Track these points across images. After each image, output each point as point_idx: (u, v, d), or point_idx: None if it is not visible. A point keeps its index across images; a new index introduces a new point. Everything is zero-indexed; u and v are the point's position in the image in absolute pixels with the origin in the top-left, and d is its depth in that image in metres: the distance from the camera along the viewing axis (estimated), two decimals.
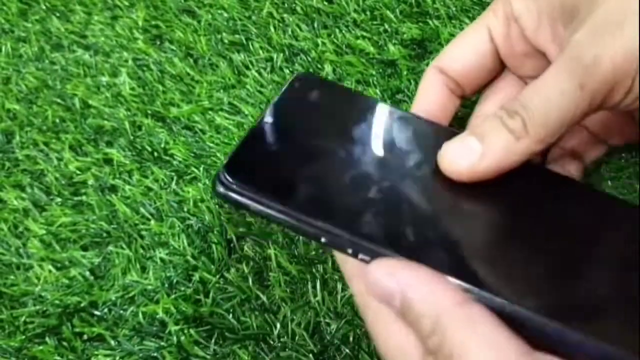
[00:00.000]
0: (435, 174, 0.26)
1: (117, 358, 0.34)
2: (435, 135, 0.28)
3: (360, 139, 0.27)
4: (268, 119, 0.28)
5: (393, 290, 0.21)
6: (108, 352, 0.35)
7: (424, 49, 0.43)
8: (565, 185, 0.27)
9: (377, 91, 0.41)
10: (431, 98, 0.31)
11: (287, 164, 0.26)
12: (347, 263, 0.26)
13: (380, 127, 0.28)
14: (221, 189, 0.25)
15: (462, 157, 0.25)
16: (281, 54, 0.46)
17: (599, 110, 0.25)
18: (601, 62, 0.23)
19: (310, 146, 0.27)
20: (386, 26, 0.45)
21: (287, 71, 0.45)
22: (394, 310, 0.21)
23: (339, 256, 0.26)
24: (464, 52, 0.31)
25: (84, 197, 0.42)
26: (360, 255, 0.23)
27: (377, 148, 0.27)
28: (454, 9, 0.44)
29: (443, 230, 0.24)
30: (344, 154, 0.26)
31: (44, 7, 0.56)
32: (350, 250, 0.23)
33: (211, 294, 0.36)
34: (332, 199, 0.25)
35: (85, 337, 0.36)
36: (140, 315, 0.36)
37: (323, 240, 0.24)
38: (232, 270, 0.36)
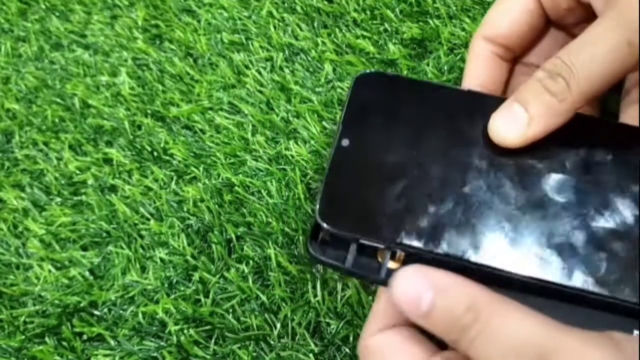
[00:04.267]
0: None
1: (117, 358, 0.34)
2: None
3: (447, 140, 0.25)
4: (345, 141, 0.25)
5: (424, 288, 0.21)
6: (108, 352, 0.35)
7: (424, 49, 0.43)
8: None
9: None
10: (481, 69, 0.31)
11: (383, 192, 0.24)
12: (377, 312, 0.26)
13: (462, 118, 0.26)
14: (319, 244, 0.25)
15: (511, 126, 0.25)
16: (281, 54, 0.46)
17: None
18: None
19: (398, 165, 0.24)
20: (386, 26, 0.45)
21: (287, 71, 0.45)
22: (418, 315, 0.22)
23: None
24: (509, 14, 0.30)
25: (83, 197, 0.42)
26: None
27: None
28: (454, 8, 0.44)
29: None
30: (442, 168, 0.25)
31: (43, 7, 0.56)
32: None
33: (211, 294, 0.36)
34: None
35: (85, 337, 0.36)
36: (140, 315, 0.36)
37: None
38: (232, 270, 0.36)
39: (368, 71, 0.27)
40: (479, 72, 0.31)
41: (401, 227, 0.24)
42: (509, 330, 0.20)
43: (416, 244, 0.23)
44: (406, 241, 0.24)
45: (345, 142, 0.25)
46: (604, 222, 0.23)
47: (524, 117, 0.24)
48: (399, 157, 0.25)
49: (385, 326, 0.25)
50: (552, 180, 0.24)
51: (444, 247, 0.23)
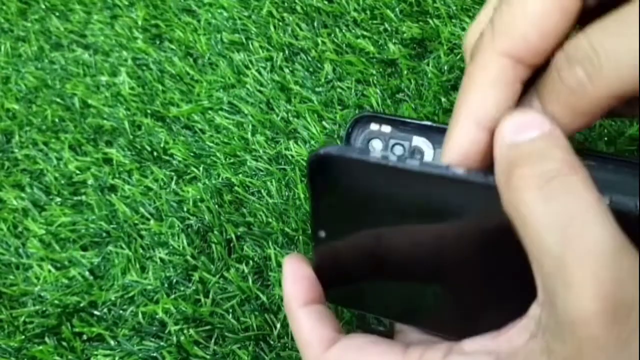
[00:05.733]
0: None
1: (117, 358, 0.34)
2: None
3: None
4: (321, 232, 0.23)
5: (538, 123, 0.19)
6: (108, 352, 0.35)
7: (424, 48, 0.43)
8: None
9: (377, 90, 0.41)
10: (494, 99, 0.21)
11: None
12: (302, 332, 0.24)
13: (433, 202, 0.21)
14: None
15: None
16: (281, 53, 0.46)
17: None
18: None
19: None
20: (386, 25, 0.45)
21: (287, 70, 0.45)
22: (512, 134, 0.19)
23: (295, 326, 0.25)
24: (537, 17, 0.19)
25: (83, 197, 0.42)
26: None
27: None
28: (454, 8, 0.44)
29: None
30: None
31: (43, 7, 0.56)
32: None
33: (211, 294, 0.36)
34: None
35: (84, 337, 0.36)
36: (140, 315, 0.36)
37: None
38: (232, 270, 0.36)
39: (321, 153, 0.21)
40: (490, 103, 0.21)
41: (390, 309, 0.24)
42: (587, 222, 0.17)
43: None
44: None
45: (322, 234, 0.23)
46: None
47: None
48: (374, 244, 0.23)
49: (310, 300, 0.24)
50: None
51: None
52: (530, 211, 0.18)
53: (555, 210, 0.17)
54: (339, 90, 0.42)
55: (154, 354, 0.34)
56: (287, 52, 0.46)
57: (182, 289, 0.36)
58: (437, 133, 0.26)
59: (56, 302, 0.37)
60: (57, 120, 0.47)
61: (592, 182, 0.18)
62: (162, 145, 0.43)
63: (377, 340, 0.23)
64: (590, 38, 0.18)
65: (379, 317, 0.25)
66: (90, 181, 0.43)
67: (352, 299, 0.26)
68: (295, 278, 0.24)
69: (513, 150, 0.19)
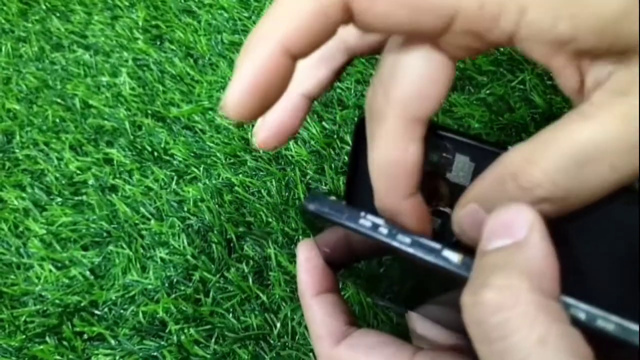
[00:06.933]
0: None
1: (118, 357, 0.34)
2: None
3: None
4: (326, 250, 0.24)
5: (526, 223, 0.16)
6: (108, 351, 0.35)
7: None
8: None
9: None
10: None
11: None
12: (314, 323, 0.24)
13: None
14: None
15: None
16: None
17: None
18: None
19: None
20: None
21: None
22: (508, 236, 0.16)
23: (309, 317, 0.24)
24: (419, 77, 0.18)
25: (84, 197, 0.42)
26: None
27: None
28: None
29: None
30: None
31: (44, 7, 0.56)
32: None
33: (211, 294, 0.36)
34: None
35: (85, 336, 0.36)
36: (141, 315, 0.36)
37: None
38: (232, 269, 0.36)
39: (309, 209, 0.20)
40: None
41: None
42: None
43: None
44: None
45: (326, 250, 0.24)
46: None
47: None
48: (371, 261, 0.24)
49: (316, 291, 0.24)
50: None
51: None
52: (476, 349, 0.15)
53: (497, 353, 0.14)
54: (338, 90, 0.43)
55: (155, 354, 0.34)
56: None
57: (182, 288, 0.36)
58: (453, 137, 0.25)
59: (57, 301, 0.37)
60: (57, 120, 0.47)
61: (556, 311, 0.14)
62: (162, 145, 0.43)
63: (388, 340, 0.23)
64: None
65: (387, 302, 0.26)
66: (91, 181, 0.43)
67: (357, 283, 0.26)
68: (309, 266, 0.24)
69: (481, 258, 0.16)
